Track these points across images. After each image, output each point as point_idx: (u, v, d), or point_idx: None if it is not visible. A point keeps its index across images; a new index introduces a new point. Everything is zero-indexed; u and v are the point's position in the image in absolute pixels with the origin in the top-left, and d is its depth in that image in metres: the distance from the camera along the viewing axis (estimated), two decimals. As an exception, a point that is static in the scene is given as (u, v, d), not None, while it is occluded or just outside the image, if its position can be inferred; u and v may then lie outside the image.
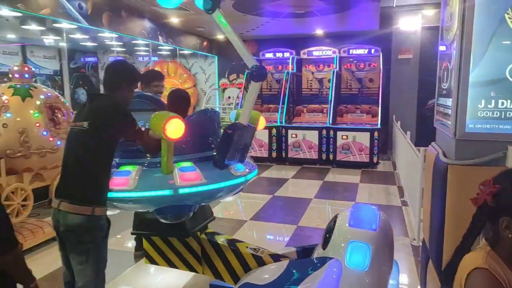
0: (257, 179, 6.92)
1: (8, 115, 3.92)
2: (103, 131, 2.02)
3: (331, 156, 8.08)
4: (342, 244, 2.04)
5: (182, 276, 3.32)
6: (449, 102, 1.84)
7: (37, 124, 4.04)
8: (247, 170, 2.41)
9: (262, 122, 2.76)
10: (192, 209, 2.24)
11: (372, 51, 8.90)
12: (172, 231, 2.42)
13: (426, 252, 2.16)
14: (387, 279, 2.01)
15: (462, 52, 1.67)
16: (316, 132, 8.13)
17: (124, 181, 2.09)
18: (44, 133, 4.09)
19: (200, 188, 2.10)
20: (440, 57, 2.15)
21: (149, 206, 2.21)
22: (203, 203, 2.44)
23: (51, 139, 4.15)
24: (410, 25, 9.02)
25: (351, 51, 9.09)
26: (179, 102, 2.70)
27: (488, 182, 1.08)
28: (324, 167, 8.01)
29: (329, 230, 2.16)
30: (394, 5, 8.62)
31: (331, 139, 8.04)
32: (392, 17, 8.80)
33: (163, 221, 2.23)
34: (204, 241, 2.55)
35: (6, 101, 3.95)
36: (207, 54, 10.87)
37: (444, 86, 2.00)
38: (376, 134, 7.80)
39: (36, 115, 4.05)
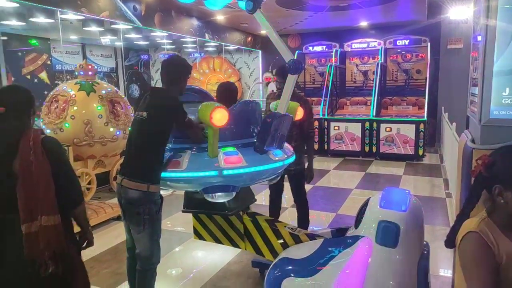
0: (299, 170, 7.08)
1: (75, 108, 4.42)
2: (159, 121, 2.32)
3: (374, 148, 8.06)
4: (373, 224, 2.18)
5: (227, 253, 3.61)
6: (477, 90, 1.93)
7: (100, 116, 4.51)
8: (285, 156, 2.61)
9: (300, 112, 2.95)
10: (235, 190, 2.47)
11: (420, 41, 8.69)
12: (217, 210, 2.69)
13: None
14: (417, 257, 2.13)
15: (486, 43, 1.76)
16: (358, 124, 8.13)
17: (176, 163, 2.38)
18: (106, 124, 4.56)
19: (241, 170, 2.34)
20: (473, 48, 2.22)
21: (197, 186, 2.48)
22: (245, 184, 2.68)
23: (111, 129, 4.62)
24: (460, 14, 8.67)
25: (397, 42, 8.93)
26: (227, 94, 2.95)
27: (483, 156, 1.21)
28: (367, 159, 8.01)
29: (361, 211, 2.32)
30: (443, -6, 8.34)
31: (374, 131, 8.01)
32: (441, 6, 8.50)
33: (209, 200, 2.50)
34: (246, 220, 2.80)
35: (73, 96, 4.46)
36: (251, 49, 11.14)
37: (474, 76, 2.08)
38: (422, 126, 7.66)
39: (99, 108, 4.53)
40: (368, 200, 2.36)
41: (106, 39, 9.22)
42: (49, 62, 9.41)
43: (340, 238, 2.41)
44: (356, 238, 2.23)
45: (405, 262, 2.10)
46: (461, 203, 2.17)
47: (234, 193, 2.49)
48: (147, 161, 2.32)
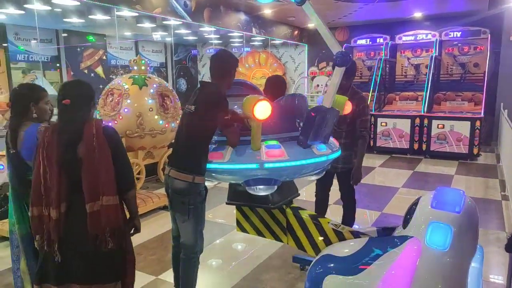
0: (344, 166, 6.95)
1: (128, 101, 4.63)
2: (204, 115, 2.36)
3: (423, 146, 7.69)
4: (423, 225, 2.09)
5: (268, 247, 3.64)
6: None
7: (151, 109, 4.70)
8: (329, 150, 2.55)
9: (348, 107, 2.87)
10: (277, 183, 2.46)
11: (479, 33, 8.13)
12: (261, 202, 2.70)
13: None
14: (469, 261, 2.02)
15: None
16: (408, 121, 7.80)
17: (220, 155, 2.43)
18: (156, 117, 4.74)
19: (283, 164, 2.32)
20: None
21: (239, 178, 2.51)
22: (287, 178, 2.65)
23: (161, 122, 4.79)
24: (527, 2, 7.98)
25: (453, 34, 8.41)
26: (275, 88, 2.93)
27: None
28: (416, 157, 7.67)
29: (411, 210, 2.23)
30: (507, -19, 7.72)
31: (425, 128, 7.64)
32: (504, -6, 7.88)
33: (251, 192, 2.51)
34: (289, 214, 2.79)
35: (127, 89, 4.68)
36: (298, 43, 11.03)
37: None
38: (478, 123, 7.20)
39: (150, 101, 4.71)
40: (418, 200, 2.26)
41: (157, 35, 9.55)
42: (104, 57, 9.93)
43: (386, 237, 2.33)
44: (404, 239, 2.14)
45: (456, 266, 2.00)
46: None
47: (275, 187, 2.48)
48: (193, 153, 2.38)
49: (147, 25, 7.16)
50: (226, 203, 2.92)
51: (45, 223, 1.91)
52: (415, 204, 2.25)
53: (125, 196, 2.06)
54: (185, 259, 2.50)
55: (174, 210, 2.50)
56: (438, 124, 7.52)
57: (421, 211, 2.16)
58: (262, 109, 2.23)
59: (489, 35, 7.99)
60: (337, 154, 2.67)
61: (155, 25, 7.49)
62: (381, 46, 9.03)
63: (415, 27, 9.09)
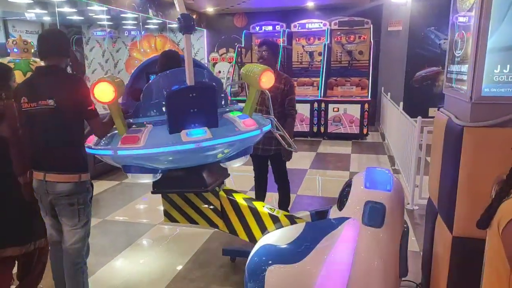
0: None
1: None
2: (72, 109, 2.14)
3: (322, 129, 8.24)
4: (358, 206, 2.16)
5: (193, 243, 3.45)
6: (464, 68, 1.94)
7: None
8: (207, 136, 2.11)
9: (267, 79, 2.35)
10: (159, 171, 2.31)
11: (363, 23, 8.94)
12: (192, 187, 2.49)
13: (433, 208, 2.32)
14: (399, 235, 2.16)
15: (481, 19, 1.76)
16: (307, 105, 8.24)
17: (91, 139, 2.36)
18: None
19: (135, 151, 2.10)
20: (452, 27, 2.23)
21: (112, 162, 2.35)
22: (168, 167, 2.39)
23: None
24: (401, -3, 9.04)
25: (341, 24, 9.09)
26: (168, 62, 2.63)
27: None
28: (315, 139, 8.18)
29: (344, 192, 2.29)
30: (384, -23, 8.61)
31: (323, 111, 8.17)
32: (384, -12, 8.79)
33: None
34: (223, 197, 2.64)
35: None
36: (196, 27, 10.66)
37: (458, 53, 2.09)
38: (366, 106, 7.98)
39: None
40: (350, 181, 2.33)
41: (32, 14, 8.20)
42: (-38, 38, 8.17)
43: (324, 221, 2.37)
44: (341, 220, 2.19)
45: (389, 241, 2.12)
46: (443, 180, 2.21)
47: (158, 175, 2.33)
48: (72, 152, 2.20)
49: (20, 0, 6.05)
50: (152, 193, 2.60)
51: None
52: (348, 185, 2.32)
53: None
54: (73, 267, 2.27)
55: (60, 216, 2.23)
56: (333, 108, 8.11)
57: (356, 192, 2.23)
58: (102, 91, 2.04)
59: (371, 25, 8.84)
60: (216, 142, 2.15)
61: (31, 1, 6.39)
62: (278, 34, 9.28)
63: (308, 16, 9.58)
